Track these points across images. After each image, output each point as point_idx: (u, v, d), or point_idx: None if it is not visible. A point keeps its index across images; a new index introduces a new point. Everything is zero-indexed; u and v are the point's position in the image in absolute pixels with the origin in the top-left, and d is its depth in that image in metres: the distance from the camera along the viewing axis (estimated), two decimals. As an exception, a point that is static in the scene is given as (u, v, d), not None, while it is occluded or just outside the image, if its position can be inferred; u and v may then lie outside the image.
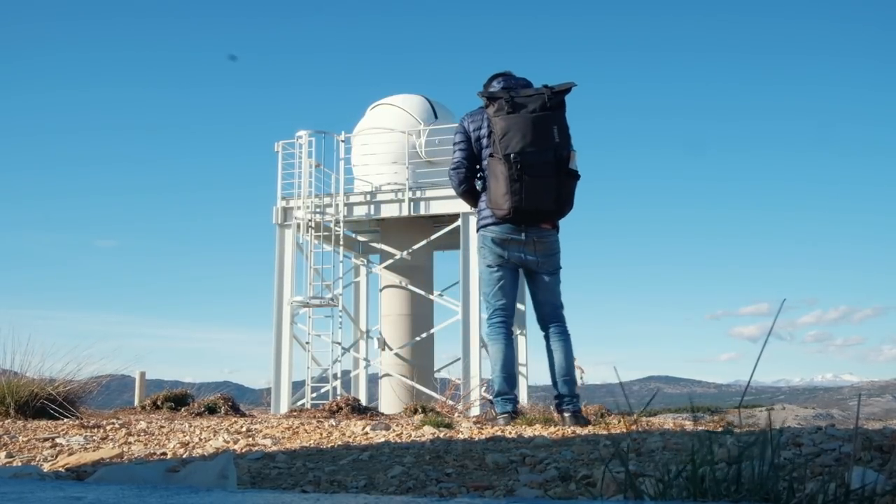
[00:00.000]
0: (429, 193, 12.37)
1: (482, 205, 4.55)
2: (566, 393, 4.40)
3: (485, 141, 4.46)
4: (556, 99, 4.32)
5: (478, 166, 4.61)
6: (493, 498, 2.19)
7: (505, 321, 4.50)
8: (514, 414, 4.37)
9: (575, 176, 4.36)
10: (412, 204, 12.34)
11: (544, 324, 4.55)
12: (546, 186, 4.28)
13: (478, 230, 4.61)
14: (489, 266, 4.52)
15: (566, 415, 4.34)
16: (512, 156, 4.22)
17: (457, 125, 4.64)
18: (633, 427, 3.88)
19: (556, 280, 4.56)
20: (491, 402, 4.65)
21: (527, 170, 4.23)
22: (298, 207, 12.53)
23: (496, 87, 4.49)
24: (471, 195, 4.65)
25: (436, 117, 13.07)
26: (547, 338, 4.53)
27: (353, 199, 12.71)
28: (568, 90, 4.37)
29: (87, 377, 5.90)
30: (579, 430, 4.04)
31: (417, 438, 3.85)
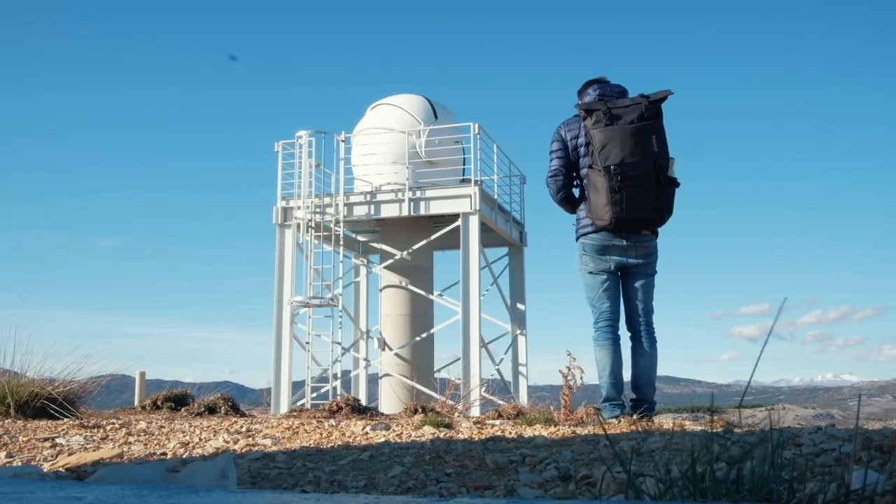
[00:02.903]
0: (429, 193, 12.37)
1: (581, 213, 4.58)
2: (646, 399, 4.42)
3: (582, 150, 4.49)
4: (652, 108, 4.37)
5: (573, 174, 4.65)
6: (493, 498, 2.19)
7: (611, 325, 4.52)
8: (620, 419, 4.37)
9: (674, 184, 4.41)
10: (412, 204, 12.34)
11: (635, 327, 4.58)
12: (646, 196, 4.33)
13: (577, 238, 4.63)
14: (591, 272, 4.54)
15: (639, 418, 4.34)
16: (612, 168, 4.26)
17: (553, 133, 4.64)
18: (633, 427, 3.89)
19: (651, 283, 4.62)
20: (597, 409, 4.65)
21: (627, 181, 4.28)
22: (298, 207, 12.52)
23: (592, 95, 4.52)
24: (568, 202, 4.66)
25: (436, 117, 13.07)
26: (636, 340, 4.55)
27: (353, 199, 12.71)
28: (664, 98, 4.41)
29: (87, 377, 5.90)
30: (579, 431, 4.04)
31: (417, 438, 3.85)
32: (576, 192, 4.69)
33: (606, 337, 4.50)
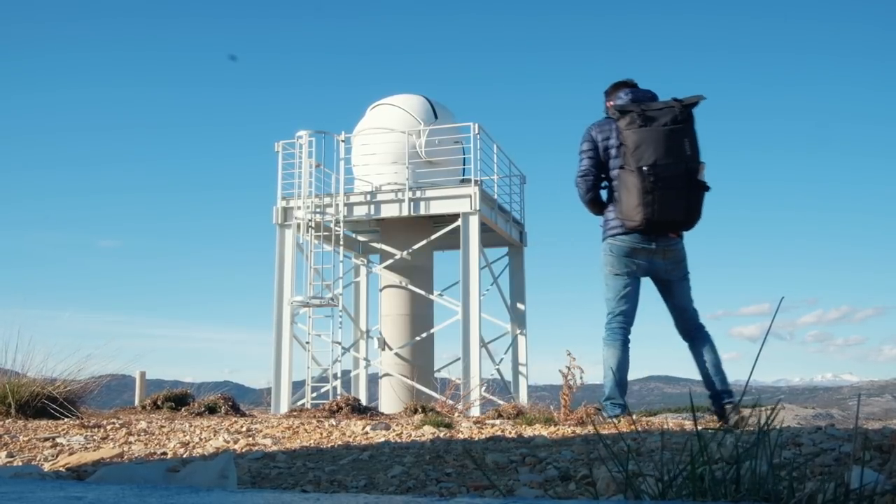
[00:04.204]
0: (429, 193, 12.37)
1: (609, 214, 4.59)
2: (724, 389, 4.44)
3: (613, 152, 4.51)
4: (685, 112, 4.40)
5: (602, 175, 4.67)
6: (493, 498, 2.19)
7: (624, 327, 4.54)
8: (620, 419, 4.39)
9: (704, 188, 4.45)
10: (412, 204, 12.34)
11: (686, 329, 4.59)
12: (677, 198, 4.36)
13: (604, 239, 4.63)
14: (616, 274, 4.55)
15: (728, 407, 4.35)
16: (645, 169, 4.29)
17: (583, 134, 4.66)
18: (633, 427, 3.89)
19: (687, 285, 4.64)
20: (598, 409, 4.66)
21: (659, 182, 4.30)
22: (298, 207, 12.52)
23: (623, 98, 4.55)
24: (596, 203, 4.68)
25: (436, 117, 13.07)
26: (693, 342, 4.55)
27: (353, 199, 12.70)
28: (696, 103, 4.46)
29: (87, 377, 5.91)
30: (579, 431, 4.04)
31: (417, 438, 3.86)
32: (603, 193, 4.72)
33: (617, 337, 4.53)
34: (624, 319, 4.55)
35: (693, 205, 4.43)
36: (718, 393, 4.44)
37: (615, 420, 4.34)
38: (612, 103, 4.74)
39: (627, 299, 4.55)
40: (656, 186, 4.29)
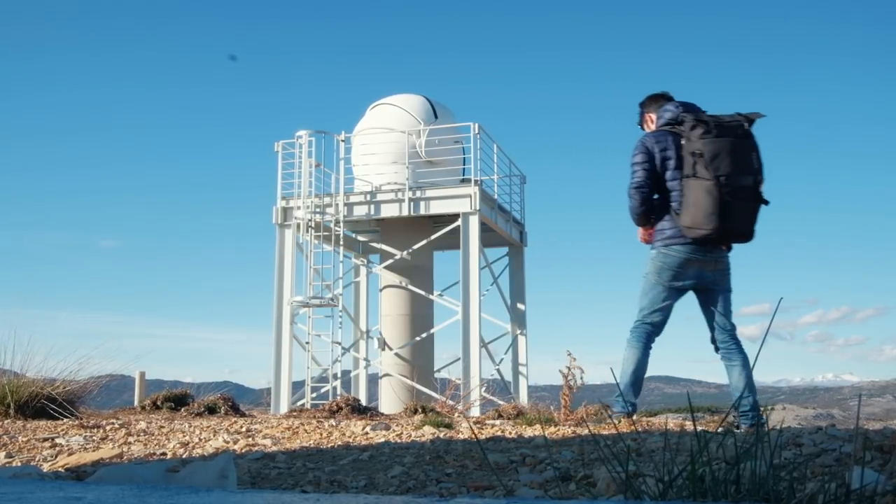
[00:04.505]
0: (429, 193, 12.36)
1: (665, 224, 4.58)
2: (752, 408, 4.47)
3: (671, 163, 4.52)
4: (750, 126, 4.46)
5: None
6: (493, 498, 2.19)
7: (650, 334, 4.58)
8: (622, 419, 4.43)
9: (765, 202, 4.50)
10: (412, 204, 12.34)
11: (723, 342, 4.60)
12: (747, 210, 4.42)
13: (657, 247, 4.61)
14: (660, 284, 4.57)
15: (748, 426, 4.38)
16: (722, 178, 4.32)
17: (636, 145, 4.63)
18: (634, 427, 3.88)
19: (730, 298, 4.67)
20: (606, 406, 4.69)
21: (733, 193, 4.34)
22: (298, 207, 12.52)
23: (673, 110, 4.58)
24: (647, 216, 4.67)
25: (436, 117, 13.07)
26: (728, 356, 4.57)
27: (353, 199, 12.70)
28: (755, 120, 4.52)
29: (87, 377, 5.90)
30: (579, 431, 4.04)
31: (417, 438, 3.85)
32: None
33: (641, 340, 4.56)
34: (652, 328, 4.59)
35: (756, 217, 4.48)
36: (748, 411, 4.45)
37: (619, 418, 4.35)
38: (652, 114, 4.79)
39: (662, 313, 4.58)
40: (733, 197, 4.34)
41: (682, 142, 4.46)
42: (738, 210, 4.38)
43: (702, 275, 4.56)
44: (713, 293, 4.61)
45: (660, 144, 4.56)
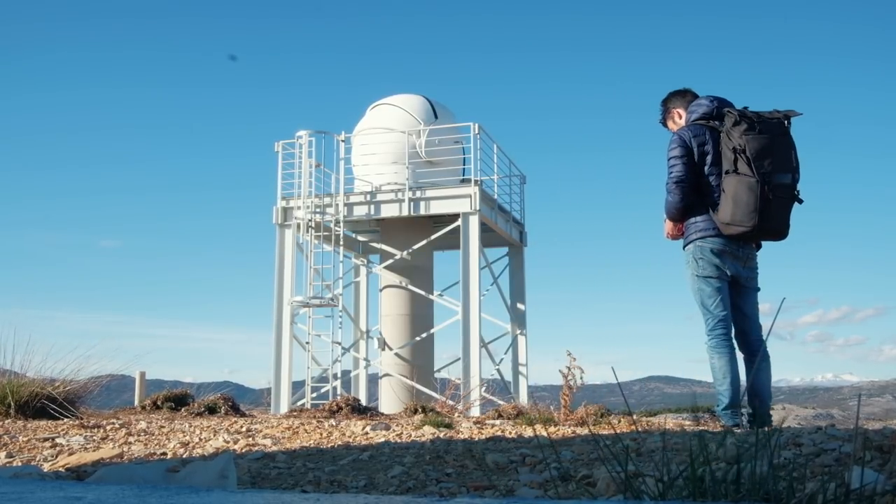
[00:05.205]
0: (429, 193, 12.36)
1: (698, 218, 4.54)
2: (766, 413, 4.45)
3: (710, 158, 4.49)
4: (788, 124, 4.45)
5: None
6: (493, 498, 2.19)
7: (727, 333, 4.51)
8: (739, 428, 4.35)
9: (800, 201, 4.49)
10: (412, 204, 12.34)
11: (749, 342, 4.58)
12: (785, 207, 4.41)
13: (691, 242, 4.56)
14: (708, 277, 4.50)
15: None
16: (765, 175, 4.32)
17: (673, 139, 4.58)
18: (633, 427, 3.88)
19: (757, 297, 4.66)
20: (711, 412, 4.64)
21: (774, 190, 4.34)
22: (298, 207, 12.52)
23: (707, 104, 4.56)
24: (683, 211, 4.60)
25: (436, 117, 13.07)
26: (752, 356, 4.53)
27: (353, 199, 12.70)
28: (791, 117, 4.51)
29: (87, 377, 5.91)
30: (579, 430, 4.04)
31: (417, 438, 3.86)
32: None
33: (725, 344, 4.47)
34: (725, 324, 4.50)
35: (790, 216, 4.46)
36: (762, 416, 4.42)
37: (737, 429, 4.17)
38: (679, 109, 4.75)
39: (724, 303, 4.49)
40: (773, 193, 4.32)
41: (722, 136, 4.42)
42: (776, 208, 4.35)
43: (737, 268, 4.52)
44: (747, 291, 4.58)
45: (698, 139, 4.50)
